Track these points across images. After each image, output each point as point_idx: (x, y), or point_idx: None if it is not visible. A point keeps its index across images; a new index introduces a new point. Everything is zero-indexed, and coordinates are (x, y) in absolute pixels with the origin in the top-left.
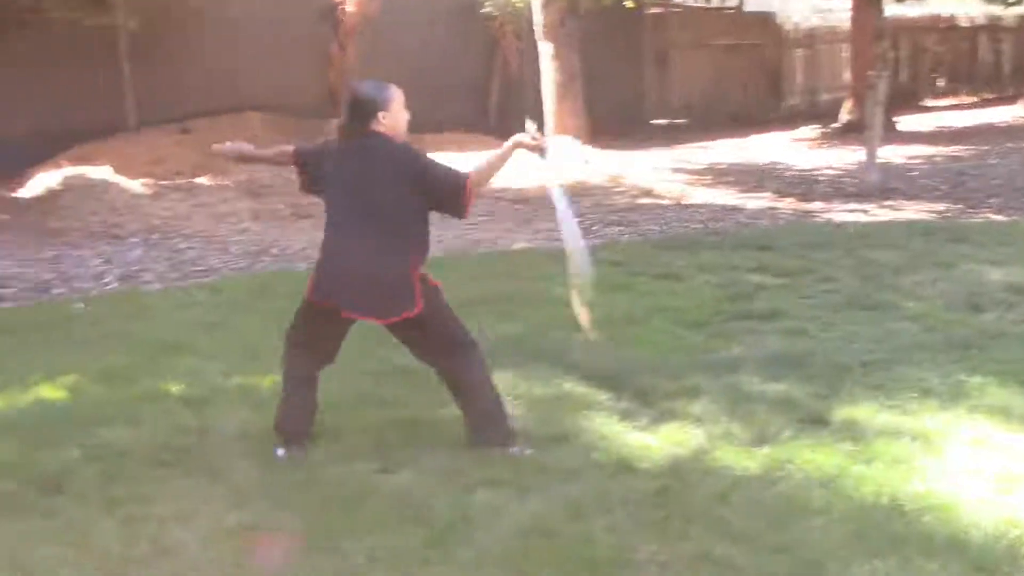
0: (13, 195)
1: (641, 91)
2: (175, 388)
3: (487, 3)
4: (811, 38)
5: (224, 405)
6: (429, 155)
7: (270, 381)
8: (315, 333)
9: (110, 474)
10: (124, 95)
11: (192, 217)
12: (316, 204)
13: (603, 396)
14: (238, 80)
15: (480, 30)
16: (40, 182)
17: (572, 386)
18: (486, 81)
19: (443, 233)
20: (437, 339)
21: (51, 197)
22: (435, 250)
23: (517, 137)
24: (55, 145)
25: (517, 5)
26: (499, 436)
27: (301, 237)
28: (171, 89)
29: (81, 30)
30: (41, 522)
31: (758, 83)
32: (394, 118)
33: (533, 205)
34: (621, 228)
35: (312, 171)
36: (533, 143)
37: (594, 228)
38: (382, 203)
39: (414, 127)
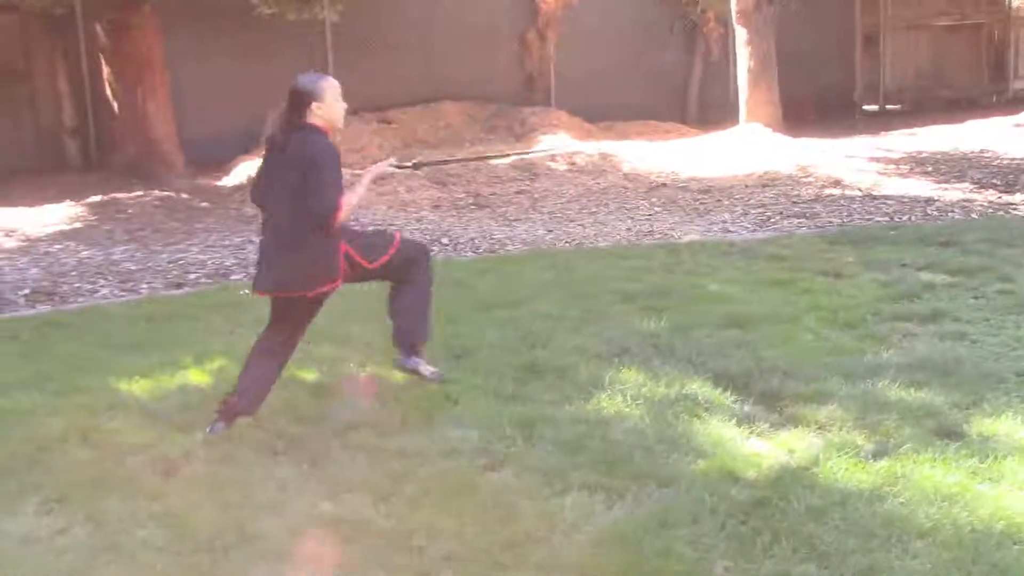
0: (217, 183)
1: (852, 75)
2: (309, 376)
3: None
4: None
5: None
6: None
7: (401, 375)
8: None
9: (224, 459)
10: None
11: (374, 205)
12: (496, 194)
13: (728, 398)
14: (435, 69)
15: (681, 15)
16: (243, 170)
17: (698, 387)
18: (687, 68)
19: (617, 224)
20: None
21: (248, 185)
22: (601, 241)
23: (374, 168)
24: (262, 135)
25: None
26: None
27: (473, 227)
28: (372, 79)
29: (287, 24)
30: (147, 504)
31: (981, 65)
32: (329, 108)
33: (715, 196)
34: (800, 220)
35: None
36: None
37: (772, 220)
38: (292, 190)
39: (611, 114)
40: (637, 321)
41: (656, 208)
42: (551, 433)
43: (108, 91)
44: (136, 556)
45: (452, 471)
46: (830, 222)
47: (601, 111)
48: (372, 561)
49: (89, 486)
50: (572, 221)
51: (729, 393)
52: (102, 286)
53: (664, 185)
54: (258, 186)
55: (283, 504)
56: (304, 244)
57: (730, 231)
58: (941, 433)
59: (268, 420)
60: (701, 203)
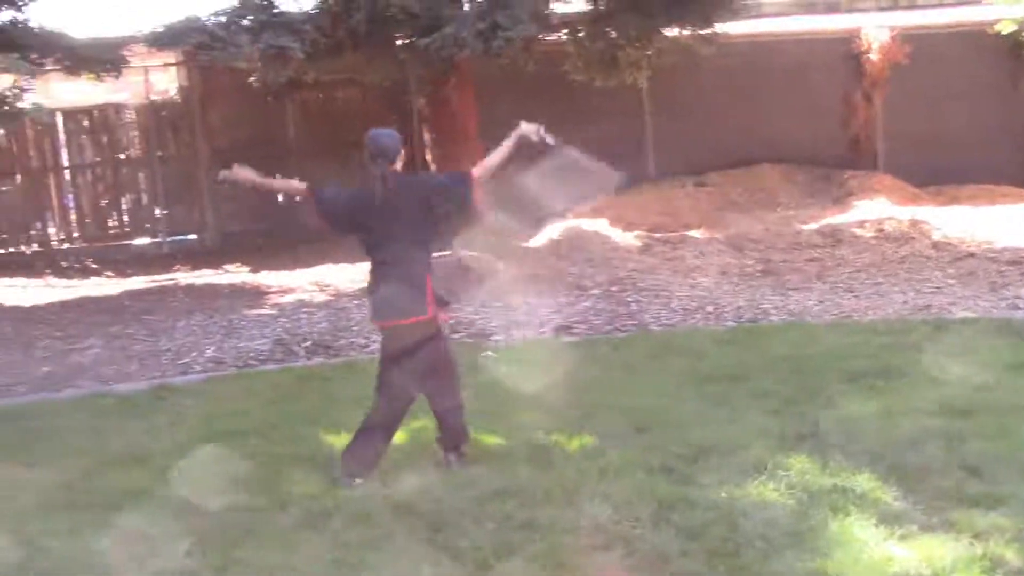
0: (524, 244)
1: None
2: (491, 440)
3: None
4: None
5: (520, 460)
6: None
7: (577, 443)
8: None
9: (359, 518)
10: (646, 148)
11: (657, 270)
12: (787, 261)
13: (889, 493)
14: (756, 132)
15: None
16: (548, 232)
17: (863, 478)
18: None
19: (895, 296)
20: None
21: (548, 248)
22: (870, 314)
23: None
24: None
25: None
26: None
27: (744, 295)
28: (690, 142)
29: (603, 89)
30: (272, 555)
31: None
32: None
33: (1023, 269)
34: None
35: None
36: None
37: None
38: None
39: (944, 178)
40: (845, 402)
41: (949, 280)
42: (681, 517)
43: (430, 159)
44: None
45: (563, 547)
46: None
47: (934, 175)
48: None
49: (237, 534)
50: (851, 292)
51: (894, 488)
52: (374, 341)
53: (972, 255)
54: None
55: (386, 564)
56: None
57: (1019, 308)
58: None
59: (425, 481)
60: (1003, 276)
